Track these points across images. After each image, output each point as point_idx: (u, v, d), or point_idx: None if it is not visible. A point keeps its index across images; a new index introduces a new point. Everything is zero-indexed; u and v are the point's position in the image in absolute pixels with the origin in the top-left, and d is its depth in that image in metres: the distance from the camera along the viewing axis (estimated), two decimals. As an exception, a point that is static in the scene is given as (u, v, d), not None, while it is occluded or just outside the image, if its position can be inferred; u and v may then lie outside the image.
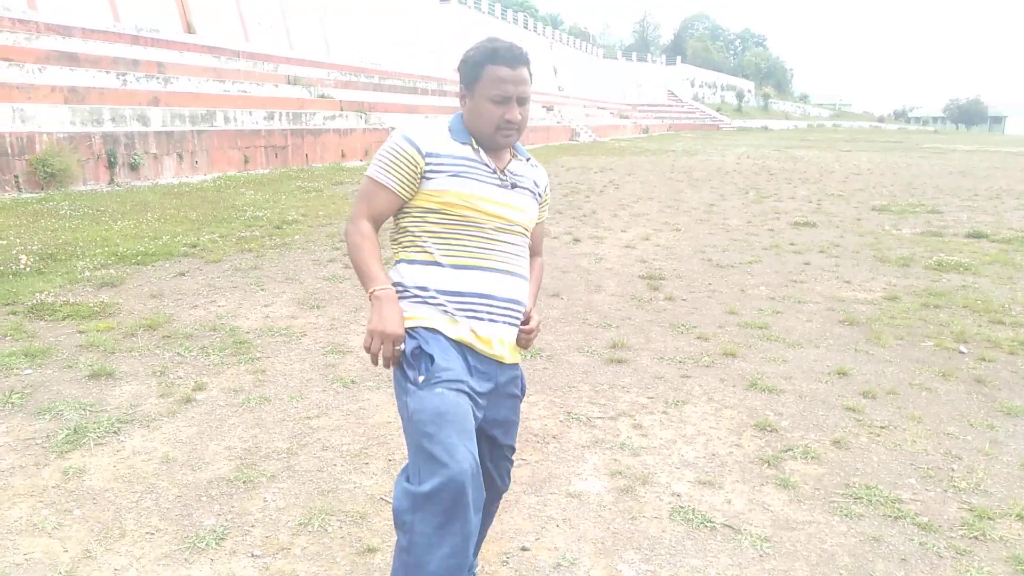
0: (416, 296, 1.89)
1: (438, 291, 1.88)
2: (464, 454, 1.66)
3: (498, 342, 1.92)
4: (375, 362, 1.83)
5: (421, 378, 1.78)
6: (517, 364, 2.02)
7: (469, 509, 1.66)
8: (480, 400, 1.85)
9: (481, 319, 1.89)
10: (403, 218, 1.96)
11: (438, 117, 2.35)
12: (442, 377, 1.77)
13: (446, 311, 1.87)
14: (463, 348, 1.86)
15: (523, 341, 2.00)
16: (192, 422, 3.47)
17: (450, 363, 1.80)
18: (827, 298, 6.21)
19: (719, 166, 21.90)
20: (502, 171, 1.95)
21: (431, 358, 1.80)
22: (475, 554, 2.15)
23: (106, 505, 2.74)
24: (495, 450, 2.04)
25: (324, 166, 16.95)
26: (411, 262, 1.92)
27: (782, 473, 3.13)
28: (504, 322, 1.93)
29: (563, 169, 19.32)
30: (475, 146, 1.93)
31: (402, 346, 1.81)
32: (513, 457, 2.12)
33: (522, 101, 1.88)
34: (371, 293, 1.84)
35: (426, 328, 1.86)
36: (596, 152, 28.21)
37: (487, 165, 1.93)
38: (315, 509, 2.74)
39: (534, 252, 2.15)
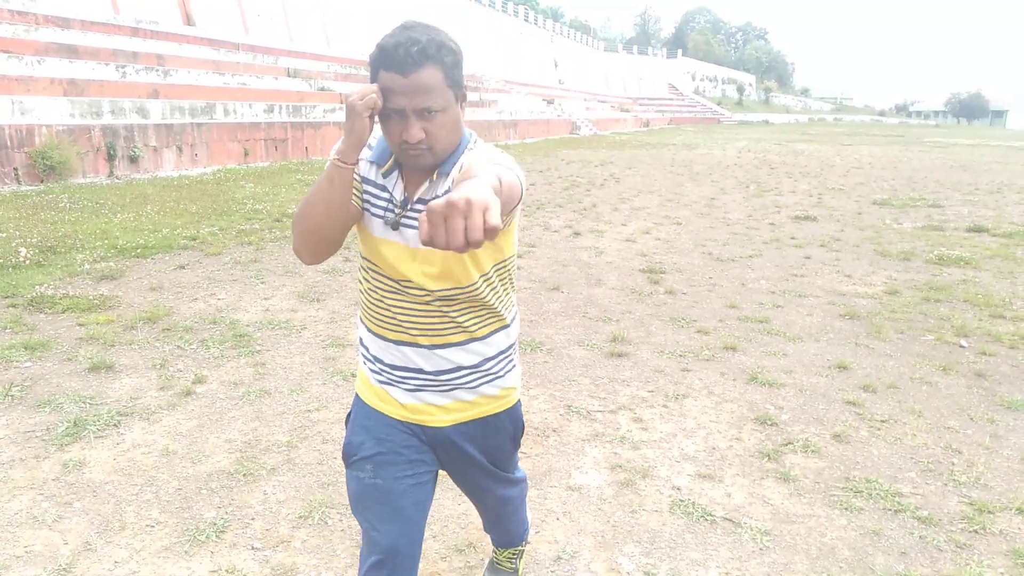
0: (360, 350, 1.78)
1: (366, 350, 1.74)
2: (383, 537, 1.66)
3: (409, 412, 1.69)
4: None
5: (344, 459, 1.73)
6: (464, 423, 1.73)
7: None
8: (419, 455, 1.71)
9: (400, 387, 1.69)
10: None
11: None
12: (356, 456, 1.69)
13: (371, 370, 1.73)
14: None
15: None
16: (192, 415, 3.46)
17: (362, 437, 1.69)
18: (828, 292, 6.21)
19: (720, 160, 21.86)
20: (408, 204, 1.55)
21: (348, 436, 1.73)
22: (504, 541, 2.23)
23: (106, 498, 2.74)
24: (472, 495, 2.00)
25: (324, 159, 16.89)
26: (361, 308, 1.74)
27: (782, 467, 3.13)
28: (433, 391, 1.68)
29: (563, 163, 19.28)
30: (391, 167, 1.57)
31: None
32: (505, 481, 1.95)
33: (425, 114, 1.43)
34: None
35: (357, 394, 1.78)
36: (596, 146, 28.16)
37: (384, 188, 1.57)
38: (315, 502, 2.74)
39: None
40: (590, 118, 41.60)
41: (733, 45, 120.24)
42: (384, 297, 1.62)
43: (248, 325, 4.81)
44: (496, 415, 1.77)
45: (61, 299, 5.10)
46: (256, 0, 23.78)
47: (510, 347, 1.76)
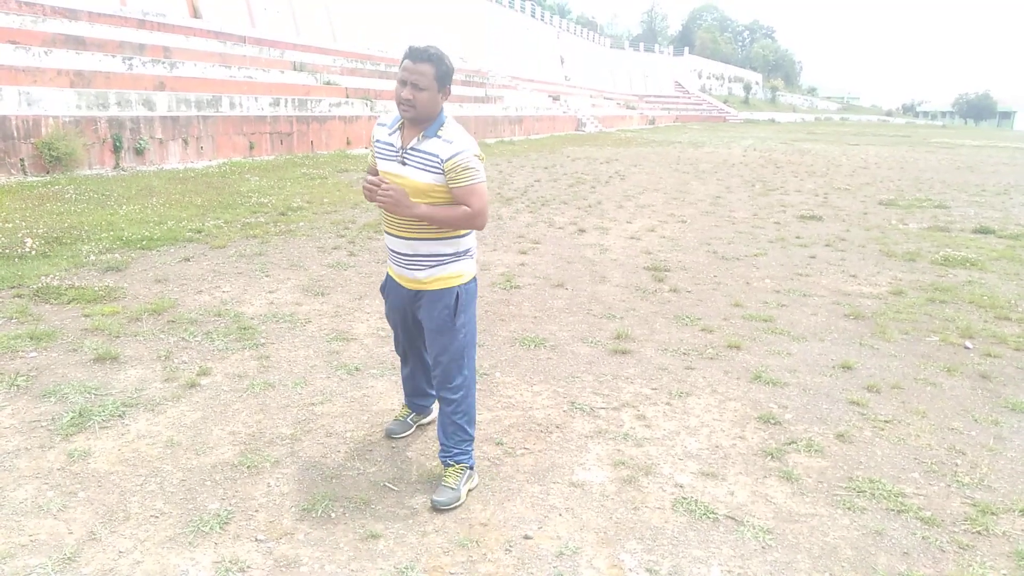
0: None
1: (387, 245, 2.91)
2: (397, 343, 3.17)
3: (399, 278, 2.88)
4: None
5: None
6: (422, 291, 2.79)
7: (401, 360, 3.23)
8: (406, 308, 2.92)
9: (393, 264, 2.88)
10: None
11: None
12: (383, 295, 3.08)
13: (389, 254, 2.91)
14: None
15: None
16: (196, 407, 3.48)
17: (385, 287, 3.04)
18: (832, 292, 6.19)
19: (725, 158, 21.81)
20: (404, 149, 2.64)
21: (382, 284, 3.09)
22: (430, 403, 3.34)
23: (111, 488, 2.75)
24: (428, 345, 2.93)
25: (329, 153, 16.92)
26: None
27: (785, 466, 3.13)
28: (402, 266, 2.81)
29: (568, 159, 19.26)
30: (397, 129, 2.69)
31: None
32: (436, 370, 2.86)
33: (416, 87, 2.54)
34: None
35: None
36: (602, 143, 28.11)
37: (393, 145, 2.68)
38: (319, 495, 2.75)
39: (461, 204, 2.64)
40: (596, 115, 41.52)
41: (740, 43, 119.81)
42: None
43: (252, 318, 4.82)
44: (439, 291, 2.76)
45: (67, 290, 5.12)
46: (263, -7, 23.75)
47: (464, 251, 2.78)
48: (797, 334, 4.98)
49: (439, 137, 2.61)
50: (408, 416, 3.31)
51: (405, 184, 2.61)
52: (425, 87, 2.54)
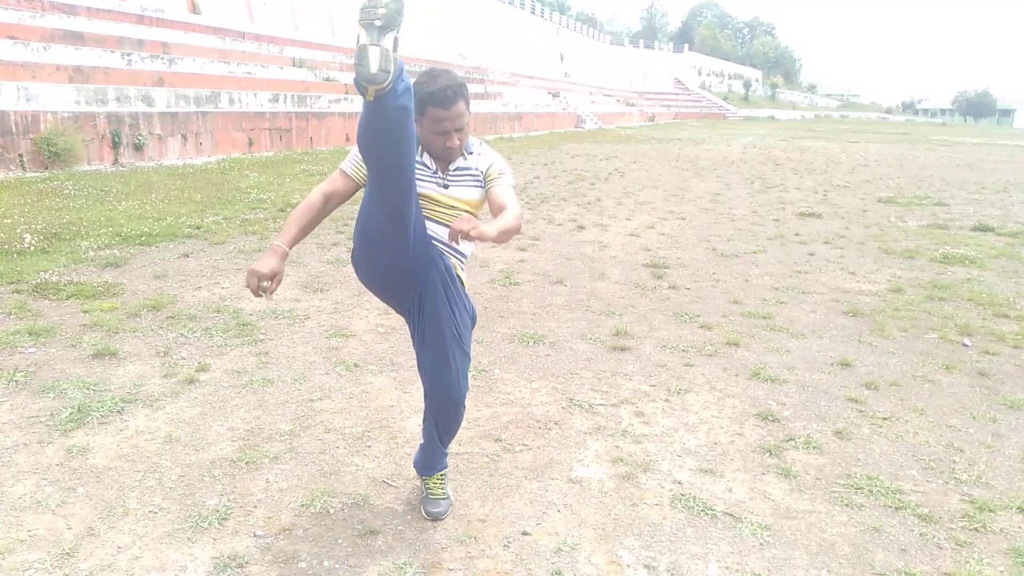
0: None
1: None
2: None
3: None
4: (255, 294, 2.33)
5: None
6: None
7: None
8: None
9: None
10: None
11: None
12: None
13: None
14: None
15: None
16: (195, 403, 3.48)
17: None
18: (831, 289, 6.20)
19: (725, 155, 21.80)
20: (447, 172, 2.40)
21: None
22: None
23: (109, 483, 2.75)
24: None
25: (328, 149, 16.91)
26: None
27: (783, 462, 3.13)
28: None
29: (568, 156, 19.25)
30: (421, 154, 2.39)
31: (267, 284, 2.31)
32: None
33: (459, 128, 2.30)
34: (270, 243, 2.38)
35: None
36: (601, 139, 28.09)
37: (428, 167, 2.40)
38: (317, 491, 2.75)
39: (503, 207, 2.33)
40: (595, 112, 41.49)
41: (740, 40, 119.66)
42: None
43: (251, 314, 4.82)
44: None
45: (65, 285, 5.12)
46: (262, -11, 23.70)
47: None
48: (796, 331, 4.98)
49: (473, 152, 2.44)
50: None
51: (450, 212, 2.38)
52: (465, 123, 2.31)
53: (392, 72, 1.91)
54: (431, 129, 2.29)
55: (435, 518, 2.63)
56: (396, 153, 2.12)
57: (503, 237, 2.13)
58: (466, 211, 2.39)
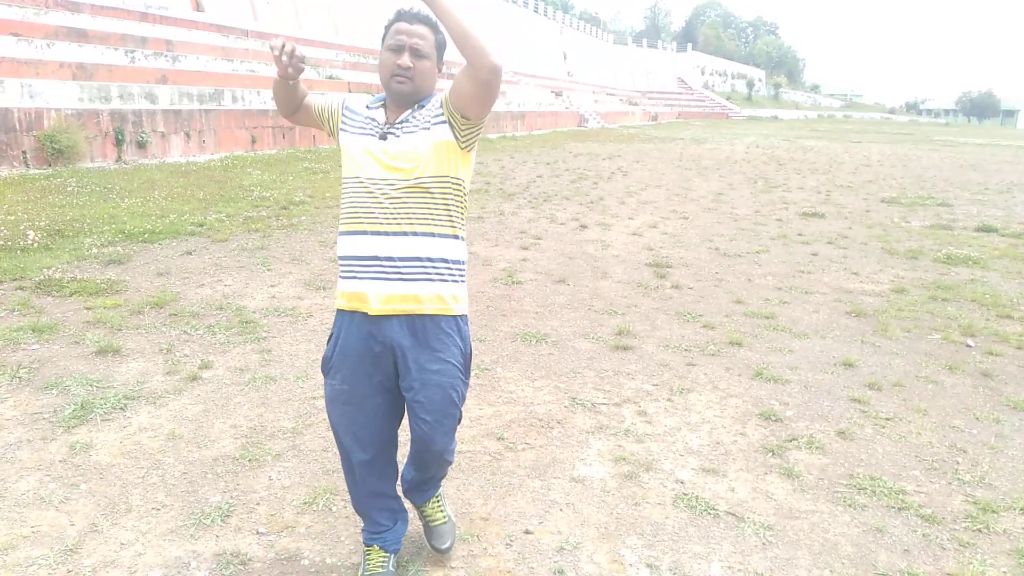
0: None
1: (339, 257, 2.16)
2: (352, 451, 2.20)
3: (357, 297, 2.06)
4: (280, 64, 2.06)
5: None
6: (391, 316, 2.03)
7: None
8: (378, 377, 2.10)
9: (348, 278, 2.10)
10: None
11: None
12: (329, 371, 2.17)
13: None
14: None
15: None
16: (198, 400, 3.48)
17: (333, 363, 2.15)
18: (834, 289, 6.19)
19: (728, 155, 21.77)
20: (391, 124, 2.03)
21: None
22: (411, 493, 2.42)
23: (112, 480, 2.76)
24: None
25: (331, 147, 16.91)
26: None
27: (786, 462, 3.13)
28: (368, 277, 2.03)
29: (571, 155, 19.24)
30: (380, 106, 2.10)
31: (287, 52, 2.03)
32: (430, 419, 2.08)
33: (416, 52, 2.00)
34: None
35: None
36: (604, 139, 28.07)
37: (375, 120, 2.06)
38: (320, 488, 2.75)
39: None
40: (598, 111, 41.46)
41: (743, 40, 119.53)
42: (356, 193, 2.07)
43: (254, 312, 4.82)
44: (439, 317, 2.07)
45: (69, 282, 5.12)
46: (265, -13, 23.71)
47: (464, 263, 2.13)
48: (799, 331, 4.98)
49: (432, 99, 2.06)
50: (389, 562, 2.25)
51: (391, 174, 1.99)
52: (427, 54, 2.01)
53: None
54: (387, 45, 2.03)
55: (445, 553, 2.36)
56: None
57: (447, 14, 1.85)
58: (405, 174, 1.99)
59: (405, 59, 1.98)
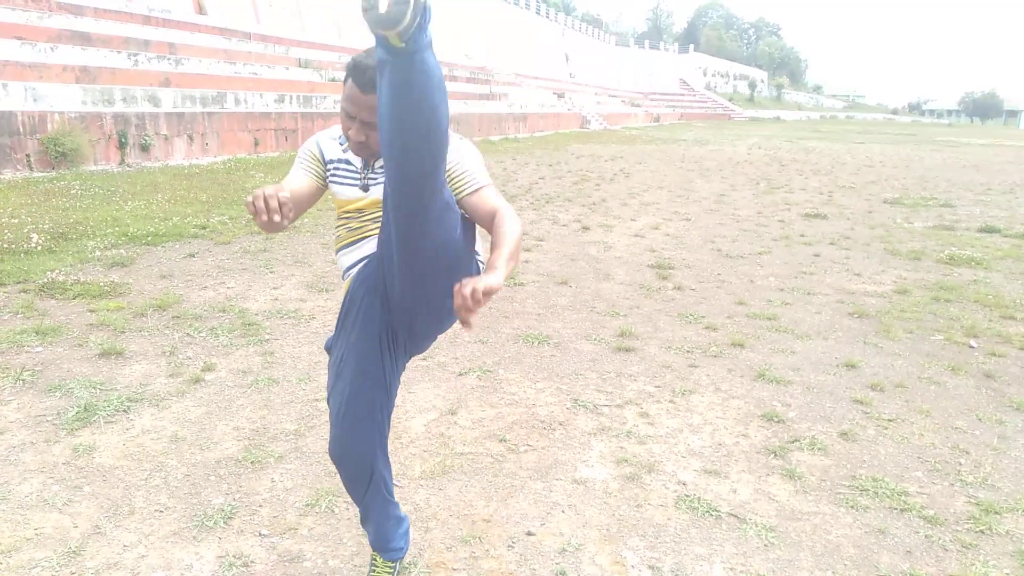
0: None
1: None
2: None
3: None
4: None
5: None
6: None
7: None
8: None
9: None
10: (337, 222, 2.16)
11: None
12: None
13: None
14: None
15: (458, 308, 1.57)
16: (201, 402, 3.49)
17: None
18: (837, 290, 6.18)
19: (730, 156, 21.76)
20: (370, 168, 1.97)
21: None
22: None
23: (116, 482, 2.76)
24: None
25: (334, 150, 16.93)
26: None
27: (788, 464, 3.13)
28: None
29: (573, 157, 19.24)
30: (346, 150, 1.99)
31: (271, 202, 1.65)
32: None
33: (367, 125, 1.80)
34: None
35: None
36: (607, 140, 28.08)
37: (352, 165, 1.99)
38: (322, 490, 2.76)
39: (491, 216, 1.83)
40: (600, 112, 41.48)
41: (746, 41, 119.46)
42: (350, 222, 2.08)
43: (257, 314, 4.83)
44: None
45: (72, 285, 5.14)
46: (268, -10, 23.77)
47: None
48: (801, 332, 4.97)
49: None
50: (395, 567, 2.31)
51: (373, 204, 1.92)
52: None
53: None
54: (342, 104, 1.85)
55: None
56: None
57: (513, 269, 1.63)
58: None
59: (356, 132, 1.85)
